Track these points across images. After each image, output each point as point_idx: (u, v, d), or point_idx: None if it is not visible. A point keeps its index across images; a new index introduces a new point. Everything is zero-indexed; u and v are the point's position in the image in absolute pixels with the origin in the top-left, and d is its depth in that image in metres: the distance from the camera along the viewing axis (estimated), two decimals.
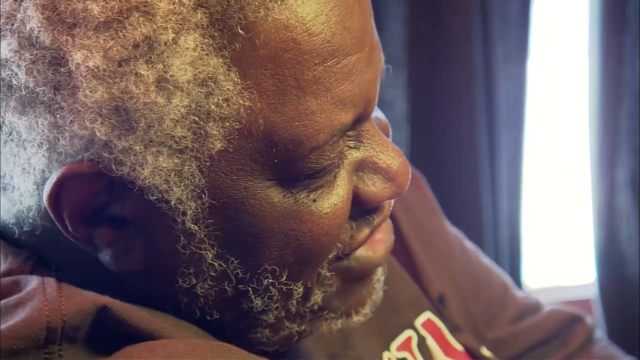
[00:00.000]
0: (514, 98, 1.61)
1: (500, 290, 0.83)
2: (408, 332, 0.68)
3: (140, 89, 0.47)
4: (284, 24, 0.48)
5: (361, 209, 0.55)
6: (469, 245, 0.84)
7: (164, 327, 0.51)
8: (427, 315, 0.71)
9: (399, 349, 0.67)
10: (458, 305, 0.75)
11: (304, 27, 0.48)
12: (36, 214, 0.52)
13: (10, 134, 0.50)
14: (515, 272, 1.65)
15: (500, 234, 1.62)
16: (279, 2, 0.48)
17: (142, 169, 0.49)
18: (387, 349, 0.67)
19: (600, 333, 0.88)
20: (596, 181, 1.68)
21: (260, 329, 0.56)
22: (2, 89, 0.49)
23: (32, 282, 0.51)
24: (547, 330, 0.83)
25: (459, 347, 0.71)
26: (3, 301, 0.50)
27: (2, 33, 0.48)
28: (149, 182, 0.49)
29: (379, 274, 0.60)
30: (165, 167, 0.49)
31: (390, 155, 0.55)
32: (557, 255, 1.87)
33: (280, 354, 0.60)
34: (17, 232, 0.54)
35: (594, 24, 1.63)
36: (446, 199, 0.90)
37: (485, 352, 0.73)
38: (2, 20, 0.47)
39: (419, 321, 0.70)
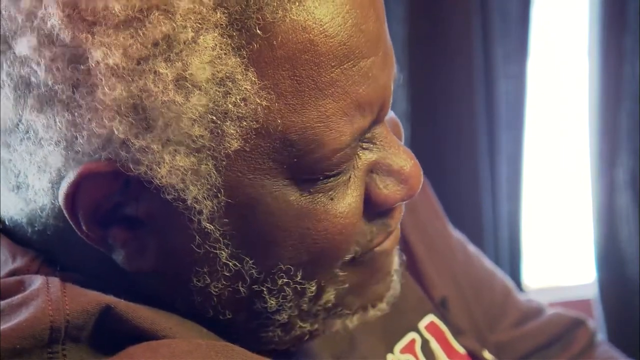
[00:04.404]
0: (513, 98, 1.61)
1: (502, 294, 0.83)
2: (412, 335, 0.68)
3: (159, 87, 0.47)
4: (301, 25, 0.48)
5: (376, 211, 0.55)
6: (472, 248, 0.84)
7: (168, 327, 0.51)
8: (430, 318, 0.71)
9: (403, 351, 0.67)
10: (460, 309, 0.75)
11: (321, 29, 0.48)
12: (49, 213, 0.52)
13: (27, 132, 0.49)
14: (515, 272, 1.65)
15: (500, 234, 1.62)
16: (297, 4, 0.48)
17: (159, 167, 0.48)
18: (391, 351, 0.67)
19: (602, 336, 0.88)
20: (596, 181, 1.68)
21: (272, 329, 0.56)
22: (20, 86, 0.48)
23: (36, 281, 0.51)
24: (549, 334, 0.83)
25: (461, 350, 0.71)
26: (7, 300, 0.50)
27: (22, 30, 0.47)
28: (166, 181, 0.49)
29: (394, 266, 0.60)
30: (182, 166, 0.49)
31: (402, 157, 0.55)
32: (557, 256, 1.88)
33: (285, 355, 0.60)
34: (29, 231, 0.54)
35: (594, 24, 1.64)
36: (446, 199, 0.90)
37: (487, 355, 0.73)
38: (23, 17, 0.47)
39: (422, 324, 0.70)
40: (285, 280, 0.53)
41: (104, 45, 0.46)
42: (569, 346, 0.83)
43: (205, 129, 0.48)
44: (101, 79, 0.47)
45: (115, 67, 0.46)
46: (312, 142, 0.50)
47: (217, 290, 0.53)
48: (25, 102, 0.48)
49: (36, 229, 0.53)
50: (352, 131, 0.51)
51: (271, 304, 0.54)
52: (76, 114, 0.48)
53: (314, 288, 0.54)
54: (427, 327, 0.70)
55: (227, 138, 0.49)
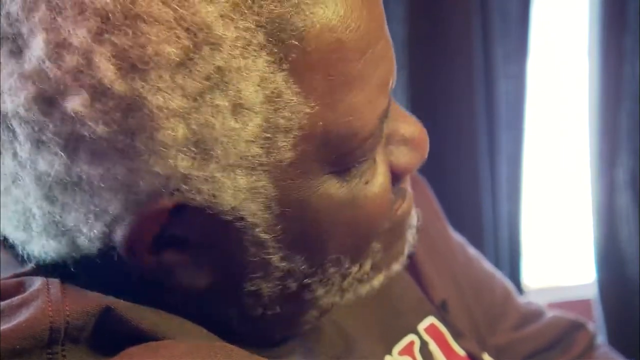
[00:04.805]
0: (513, 98, 1.61)
1: (502, 297, 0.83)
2: (411, 337, 0.68)
3: (217, 119, 0.47)
4: (328, 27, 0.49)
5: (394, 180, 0.57)
6: (472, 251, 0.84)
7: (168, 328, 0.51)
8: (430, 320, 0.71)
9: (401, 353, 0.67)
10: (460, 311, 0.75)
11: (345, 26, 0.49)
12: (97, 253, 0.51)
13: (78, 184, 0.49)
14: (515, 272, 1.65)
15: (500, 234, 1.62)
16: (322, 6, 0.49)
17: (222, 193, 0.49)
18: (389, 352, 0.66)
19: (602, 339, 0.88)
20: (596, 181, 1.68)
21: (312, 311, 0.58)
22: (70, 142, 0.47)
23: (36, 282, 0.51)
24: (549, 336, 0.83)
25: (461, 352, 0.71)
26: (7, 301, 0.50)
27: (71, 89, 0.46)
28: (227, 205, 0.49)
29: (413, 222, 0.62)
30: (243, 187, 0.49)
31: (411, 125, 0.58)
32: (557, 256, 1.88)
33: (282, 355, 0.60)
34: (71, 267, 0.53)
35: (594, 24, 1.64)
36: (446, 199, 0.90)
37: (487, 358, 0.73)
38: (70, 77, 0.46)
39: (422, 326, 0.70)
40: (334, 269, 0.55)
41: (160, 90, 0.46)
42: (569, 349, 0.83)
43: (260, 147, 0.49)
44: (161, 123, 0.46)
45: (174, 109, 0.46)
46: (345, 135, 0.51)
47: (268, 290, 0.54)
48: (77, 156, 0.48)
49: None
50: (378, 115, 0.52)
51: (320, 293, 0.56)
52: (136, 159, 0.47)
53: (357, 268, 0.56)
54: (426, 329, 0.70)
55: (279, 151, 0.49)
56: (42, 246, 0.52)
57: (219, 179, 0.49)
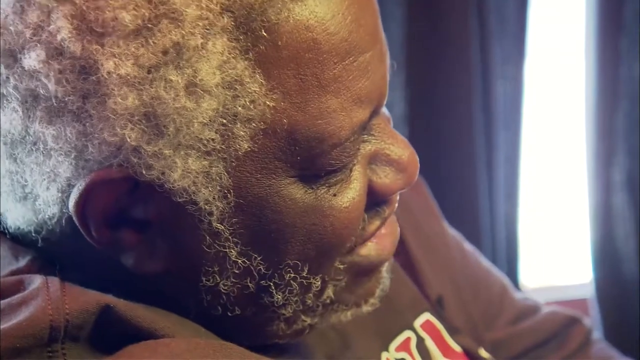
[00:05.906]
0: (511, 99, 1.61)
1: (498, 292, 0.83)
2: (407, 333, 0.69)
3: (170, 95, 0.47)
4: (304, 25, 0.49)
5: (372, 200, 0.56)
6: (468, 247, 0.84)
7: (167, 326, 0.52)
8: (426, 316, 0.71)
9: (398, 349, 0.67)
10: (456, 307, 0.75)
11: (323, 27, 0.49)
12: (57, 221, 0.52)
13: (35, 143, 0.50)
14: (512, 272, 1.66)
15: (498, 234, 1.63)
16: (299, 3, 0.49)
17: (172, 172, 0.49)
18: (386, 349, 0.67)
19: (597, 334, 0.88)
20: (592, 181, 1.69)
21: (277, 322, 0.57)
22: (28, 99, 0.49)
23: (36, 281, 0.51)
24: (545, 332, 0.83)
25: (457, 348, 0.71)
26: (6, 300, 0.51)
27: (30, 44, 0.48)
28: (178, 185, 0.49)
29: (386, 265, 0.61)
30: (194, 169, 0.49)
31: (400, 146, 0.57)
32: (554, 255, 1.88)
33: (279, 354, 0.60)
34: (35, 238, 0.54)
35: (590, 26, 1.64)
36: (444, 200, 0.90)
37: (483, 353, 0.74)
38: (30, 31, 0.48)
39: (418, 322, 0.70)
40: (292, 275, 0.54)
41: (114, 56, 0.47)
42: (565, 344, 0.83)
43: (216, 132, 0.49)
44: (113, 89, 0.47)
45: (127, 77, 0.47)
46: (313, 138, 0.51)
47: (226, 287, 0.53)
48: (34, 115, 0.49)
49: (42, 236, 0.54)
50: (352, 125, 0.52)
51: (278, 298, 0.55)
52: (87, 124, 0.48)
53: (318, 283, 0.55)
54: (422, 326, 0.70)
55: (236, 140, 0.50)
56: (12, 212, 0.53)
57: (168, 156, 0.49)
